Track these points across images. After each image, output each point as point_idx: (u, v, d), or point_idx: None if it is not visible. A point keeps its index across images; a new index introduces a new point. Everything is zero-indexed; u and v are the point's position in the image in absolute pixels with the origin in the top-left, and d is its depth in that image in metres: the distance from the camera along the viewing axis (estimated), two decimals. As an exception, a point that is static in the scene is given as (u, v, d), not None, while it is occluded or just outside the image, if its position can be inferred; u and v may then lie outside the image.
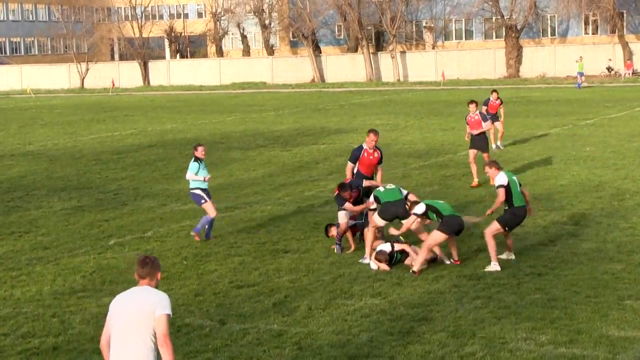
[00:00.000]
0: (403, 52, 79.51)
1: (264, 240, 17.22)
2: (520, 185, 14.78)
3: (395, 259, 14.92)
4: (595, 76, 68.76)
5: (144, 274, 7.72)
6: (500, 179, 14.51)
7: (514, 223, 14.64)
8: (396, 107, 50.24)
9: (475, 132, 23.16)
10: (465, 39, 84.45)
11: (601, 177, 23.06)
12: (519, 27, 75.84)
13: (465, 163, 26.54)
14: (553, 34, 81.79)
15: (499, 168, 14.74)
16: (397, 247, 15.02)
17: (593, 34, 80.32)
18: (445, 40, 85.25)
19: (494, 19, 79.70)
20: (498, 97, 29.69)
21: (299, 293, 13.50)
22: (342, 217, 15.99)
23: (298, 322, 12.10)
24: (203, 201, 17.48)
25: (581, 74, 60.47)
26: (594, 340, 11.02)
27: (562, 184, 22.23)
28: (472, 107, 23.47)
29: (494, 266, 14.27)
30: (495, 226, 14.54)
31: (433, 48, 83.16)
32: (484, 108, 29.44)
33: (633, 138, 31.13)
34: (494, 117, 29.35)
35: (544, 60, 74.30)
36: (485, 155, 22.96)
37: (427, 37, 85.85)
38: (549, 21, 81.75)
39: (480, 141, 23.08)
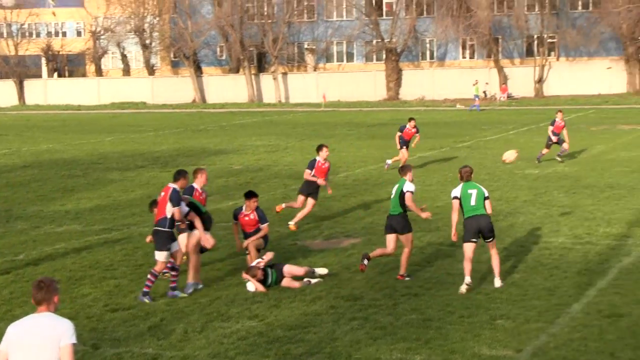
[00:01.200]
0: (285, 74, 79.88)
1: (141, 262, 16.96)
2: (485, 197, 14.73)
3: (271, 281, 14.90)
4: (472, 100, 70.33)
5: (39, 298, 7.37)
6: (454, 191, 14.74)
7: (467, 234, 14.55)
8: (277, 128, 50.37)
9: (319, 180, 20.93)
10: (347, 62, 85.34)
11: (476, 198, 23.52)
12: (398, 51, 77.17)
13: (345, 184, 26.77)
14: (432, 57, 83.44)
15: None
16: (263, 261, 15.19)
17: (470, 58, 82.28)
18: (326, 62, 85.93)
19: (374, 42, 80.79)
20: (562, 119, 31.04)
21: (175, 316, 13.33)
22: (161, 257, 14.52)
23: (174, 346, 11.92)
24: None
25: (477, 97, 62.33)
26: (466, 359, 11.20)
27: (438, 205, 22.56)
28: (325, 151, 21.15)
29: (466, 280, 14.30)
30: (464, 248, 14.62)
31: (314, 70, 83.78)
32: (550, 129, 30.87)
33: (507, 160, 31.91)
34: (556, 135, 30.64)
35: (423, 83, 75.69)
36: (313, 202, 20.91)
37: (309, 59, 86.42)
38: (427, 45, 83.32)
39: (314, 187, 21.02)
